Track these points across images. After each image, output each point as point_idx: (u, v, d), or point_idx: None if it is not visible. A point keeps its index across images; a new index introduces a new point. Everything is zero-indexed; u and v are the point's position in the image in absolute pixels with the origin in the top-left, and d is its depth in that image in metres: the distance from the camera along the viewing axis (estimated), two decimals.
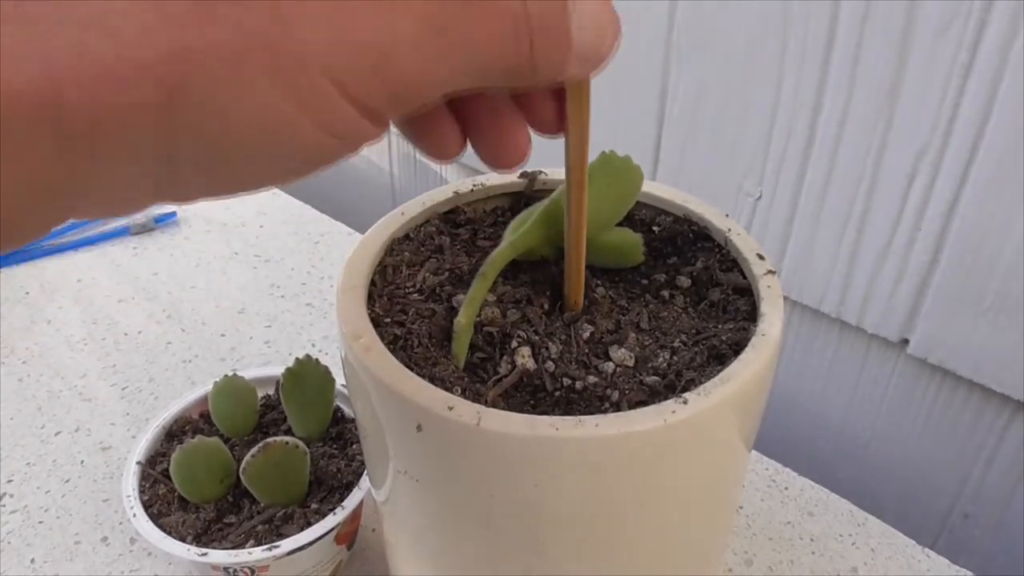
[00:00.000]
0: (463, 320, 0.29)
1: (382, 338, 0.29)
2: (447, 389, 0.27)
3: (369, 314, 0.30)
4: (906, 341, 0.54)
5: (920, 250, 0.50)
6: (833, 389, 0.60)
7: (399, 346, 0.29)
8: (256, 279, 0.73)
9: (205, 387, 0.47)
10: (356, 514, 0.43)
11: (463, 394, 0.27)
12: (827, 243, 0.54)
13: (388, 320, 0.30)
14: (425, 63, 0.18)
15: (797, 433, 0.64)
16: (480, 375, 0.29)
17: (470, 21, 0.19)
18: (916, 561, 0.48)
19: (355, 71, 0.17)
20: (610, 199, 0.32)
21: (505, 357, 0.29)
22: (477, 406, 0.25)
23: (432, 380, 0.27)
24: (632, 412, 0.25)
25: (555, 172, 0.37)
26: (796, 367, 0.62)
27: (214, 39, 0.16)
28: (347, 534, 0.44)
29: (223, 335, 0.66)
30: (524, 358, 0.29)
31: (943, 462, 0.57)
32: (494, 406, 0.27)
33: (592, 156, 0.31)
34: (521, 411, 0.27)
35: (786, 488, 0.52)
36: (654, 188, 0.36)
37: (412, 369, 0.27)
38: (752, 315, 0.30)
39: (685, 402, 0.25)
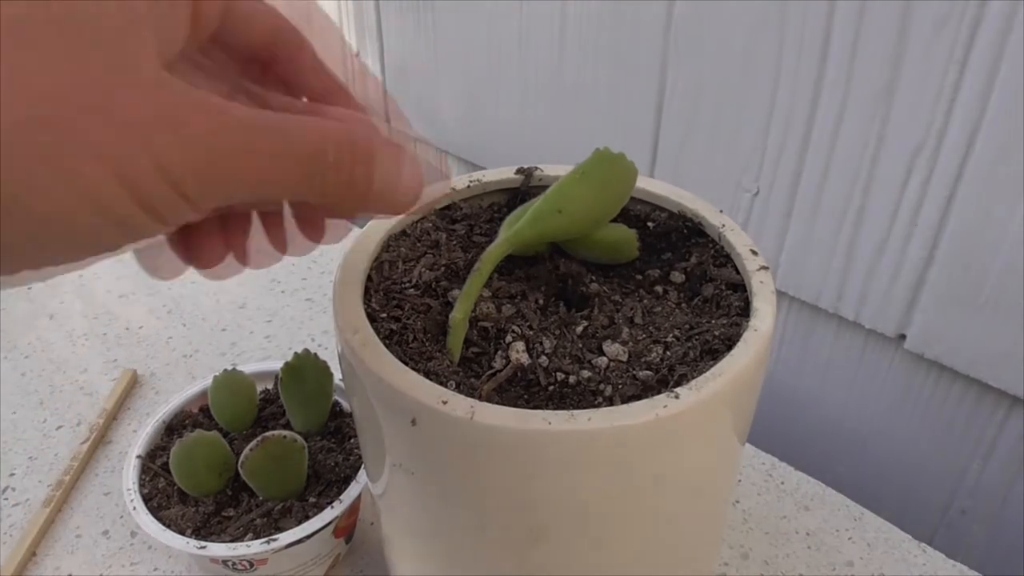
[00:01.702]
0: (458, 315, 0.30)
1: (378, 333, 0.29)
2: (442, 383, 0.27)
3: (365, 309, 0.30)
4: (903, 336, 0.54)
5: (917, 246, 0.50)
6: (831, 384, 0.60)
7: (394, 341, 0.29)
8: (256, 274, 0.73)
9: (205, 381, 0.47)
10: (354, 508, 0.43)
11: (457, 388, 0.27)
12: (824, 238, 0.54)
13: (384, 315, 0.30)
14: (237, 160, 0.20)
15: (795, 428, 0.64)
16: (475, 370, 0.29)
17: (272, 145, 0.21)
18: (912, 556, 0.48)
19: (175, 160, 0.19)
20: (604, 196, 0.32)
21: (500, 352, 0.29)
22: (470, 400, 0.26)
23: (427, 375, 0.27)
24: (624, 406, 0.26)
25: (551, 168, 0.37)
26: (794, 362, 0.62)
27: (25, 111, 0.17)
28: (345, 527, 0.44)
29: (224, 330, 0.66)
30: (518, 353, 0.29)
31: (941, 457, 0.57)
32: (488, 400, 0.27)
33: (586, 153, 0.31)
34: (515, 405, 0.27)
35: (783, 483, 0.52)
36: (649, 184, 0.36)
37: (407, 364, 0.28)
38: (745, 310, 0.30)
39: (677, 396, 0.26)
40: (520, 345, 0.29)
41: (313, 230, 0.29)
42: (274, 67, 0.27)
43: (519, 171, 0.37)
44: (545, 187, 0.36)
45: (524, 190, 0.37)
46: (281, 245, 0.29)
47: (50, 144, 0.18)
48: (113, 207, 0.19)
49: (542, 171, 0.37)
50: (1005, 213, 0.45)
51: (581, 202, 0.31)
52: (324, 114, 0.27)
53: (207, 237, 0.27)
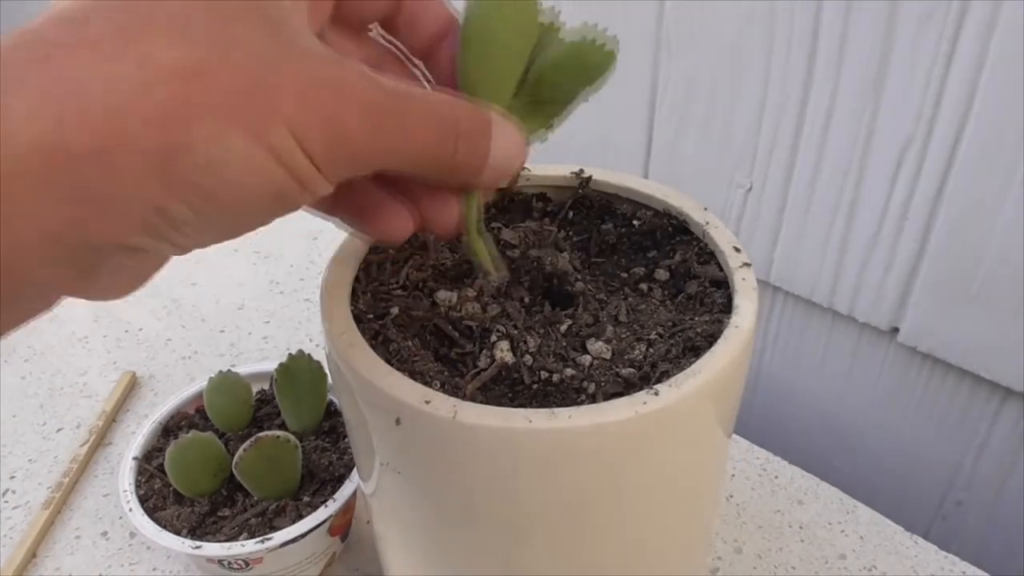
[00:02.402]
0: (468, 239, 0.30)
1: (364, 334, 0.29)
2: (426, 383, 0.27)
3: (353, 311, 0.30)
4: (896, 330, 0.54)
5: (908, 239, 0.50)
6: (825, 378, 0.61)
7: (380, 341, 0.30)
8: (255, 275, 0.73)
9: (201, 383, 0.48)
10: (349, 506, 0.44)
11: (441, 388, 0.28)
12: (817, 233, 0.54)
13: (371, 316, 0.31)
14: (366, 141, 0.22)
15: (790, 422, 0.64)
16: (460, 369, 0.30)
17: (406, 115, 0.22)
18: (904, 548, 0.48)
19: (313, 132, 0.20)
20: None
21: (484, 351, 0.30)
22: (453, 400, 0.26)
23: (412, 375, 0.28)
24: (604, 404, 0.26)
25: (539, 168, 0.37)
26: (788, 357, 0.62)
27: (201, 100, 0.19)
28: (340, 526, 0.44)
29: (222, 331, 0.66)
30: (503, 352, 0.29)
31: (935, 449, 0.57)
32: (472, 399, 0.27)
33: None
34: (499, 404, 0.27)
35: (776, 477, 0.53)
36: (635, 183, 0.36)
37: (393, 364, 0.28)
38: (728, 307, 0.31)
39: (657, 393, 0.26)
40: (505, 344, 0.30)
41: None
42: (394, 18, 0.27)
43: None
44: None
45: (510, 191, 0.37)
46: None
47: (205, 102, 0.19)
48: (269, 180, 0.20)
49: (528, 169, 0.37)
50: (995, 204, 0.46)
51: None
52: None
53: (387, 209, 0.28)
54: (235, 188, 0.20)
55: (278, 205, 0.22)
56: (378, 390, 0.27)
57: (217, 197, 0.20)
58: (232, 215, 0.21)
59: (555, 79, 0.28)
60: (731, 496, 0.51)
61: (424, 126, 0.23)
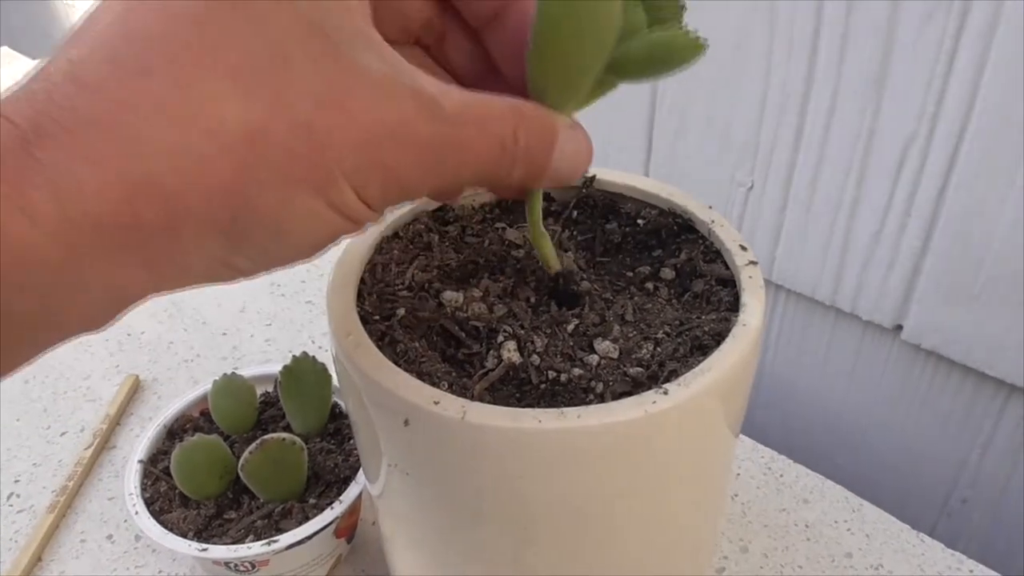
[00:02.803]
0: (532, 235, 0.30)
1: (371, 335, 0.29)
2: (434, 384, 0.27)
3: (358, 312, 0.30)
4: (900, 327, 0.54)
5: (911, 236, 0.50)
6: (828, 376, 0.61)
7: (387, 342, 0.30)
8: (256, 278, 0.73)
9: (205, 386, 0.48)
10: (354, 508, 0.44)
11: (449, 389, 0.28)
12: (819, 231, 0.54)
13: (377, 317, 0.31)
14: (423, 178, 0.22)
15: (794, 421, 0.64)
16: (467, 370, 0.30)
17: (464, 147, 0.22)
18: (911, 546, 0.48)
19: (371, 182, 0.21)
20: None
21: (492, 352, 0.30)
22: (462, 400, 0.26)
23: (419, 376, 0.28)
24: (613, 403, 0.26)
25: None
26: (792, 355, 0.62)
27: (265, 164, 0.19)
28: (346, 528, 0.44)
29: (224, 334, 0.66)
30: (510, 352, 0.29)
31: (940, 447, 0.57)
32: (480, 400, 0.27)
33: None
34: (507, 404, 0.27)
35: (781, 476, 0.53)
36: (639, 182, 0.36)
37: (400, 365, 0.28)
38: (735, 305, 0.31)
39: (666, 393, 0.26)
40: (512, 344, 0.30)
41: None
42: None
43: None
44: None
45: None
46: None
47: (269, 169, 0.19)
48: (328, 228, 0.21)
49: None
50: (998, 201, 0.46)
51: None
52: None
53: None
54: (295, 238, 0.21)
55: (330, 243, 0.23)
56: (386, 391, 0.27)
57: (278, 248, 0.21)
58: (288, 258, 0.22)
59: (637, 69, 0.26)
60: (736, 495, 0.51)
61: (483, 151, 0.23)
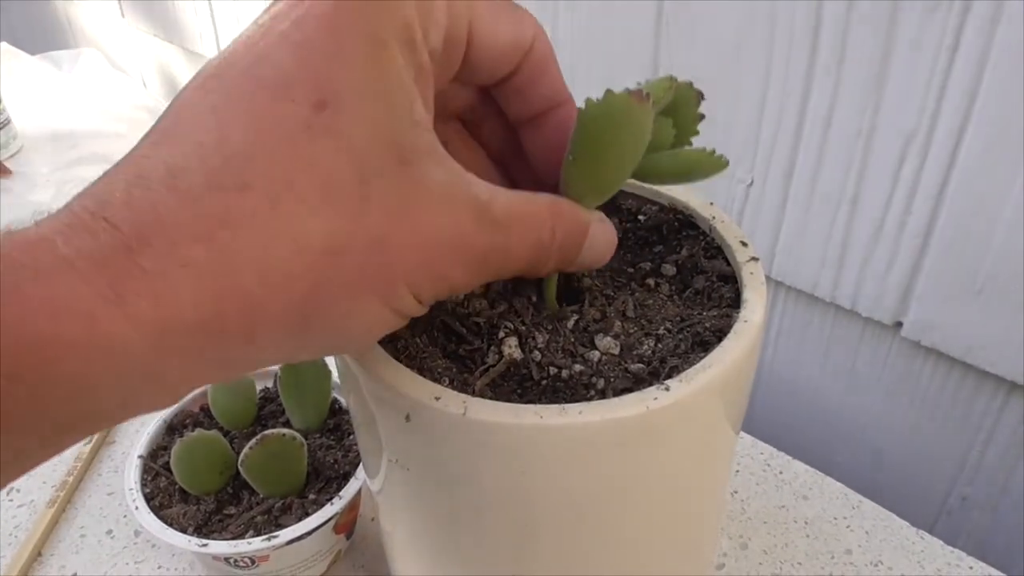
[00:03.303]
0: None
1: None
2: (435, 380, 0.27)
3: None
4: (900, 324, 0.54)
5: (911, 233, 0.50)
6: (828, 373, 0.61)
7: (388, 338, 0.30)
8: None
9: None
10: (354, 504, 0.44)
11: (451, 385, 0.28)
12: (819, 228, 0.54)
13: None
14: (470, 279, 0.24)
15: (793, 418, 0.64)
16: (468, 366, 0.30)
17: (509, 251, 0.24)
18: (910, 543, 0.48)
19: (426, 288, 0.23)
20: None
21: (492, 348, 0.30)
22: (463, 396, 0.26)
23: (421, 371, 0.28)
24: (615, 399, 0.26)
25: None
26: (791, 352, 0.62)
27: (340, 278, 0.21)
28: (346, 523, 0.44)
29: None
30: (511, 348, 0.29)
31: (940, 444, 0.57)
32: (481, 396, 0.27)
33: None
34: (508, 400, 0.27)
35: (781, 472, 0.53)
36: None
37: (401, 361, 0.28)
38: (736, 301, 0.30)
39: (667, 389, 0.26)
40: (513, 340, 0.29)
41: None
42: (507, 82, 0.27)
43: None
44: None
45: None
46: None
47: (344, 281, 0.21)
48: (386, 326, 0.24)
49: None
50: (999, 198, 0.46)
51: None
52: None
53: None
54: (356, 335, 0.23)
55: (386, 331, 0.24)
56: (387, 387, 0.27)
57: (339, 343, 0.24)
58: (344, 351, 0.26)
59: (665, 178, 0.29)
60: (736, 491, 0.51)
61: (524, 252, 0.25)
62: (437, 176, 0.22)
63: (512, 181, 0.31)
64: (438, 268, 0.23)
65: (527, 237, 0.25)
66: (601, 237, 0.27)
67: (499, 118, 0.29)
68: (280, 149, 0.20)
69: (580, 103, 0.26)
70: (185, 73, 1.18)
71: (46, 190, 0.84)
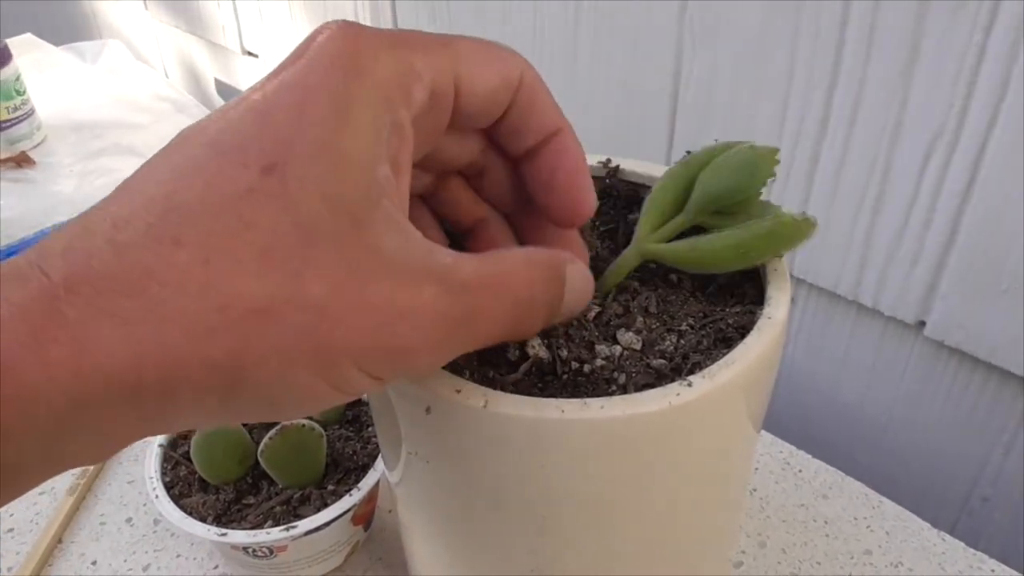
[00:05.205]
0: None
1: None
2: (456, 373, 0.27)
3: None
4: (923, 323, 0.53)
5: (936, 231, 0.50)
6: (850, 372, 0.60)
7: None
8: None
9: None
10: (372, 495, 0.44)
11: (472, 377, 0.28)
12: (842, 225, 0.54)
13: None
14: (434, 355, 0.22)
15: (813, 416, 0.64)
16: (489, 359, 0.29)
17: (479, 315, 0.22)
18: (931, 544, 0.48)
19: (380, 365, 0.21)
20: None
21: (513, 344, 0.30)
22: (484, 389, 0.26)
23: None
24: (637, 395, 0.26)
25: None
26: (812, 350, 0.62)
27: (270, 342, 0.20)
28: (364, 515, 0.45)
29: None
30: (536, 348, 0.29)
31: (962, 445, 0.57)
32: (503, 389, 0.27)
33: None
34: (529, 394, 0.27)
35: (800, 471, 0.52)
36: (662, 172, 0.36)
37: None
38: (759, 298, 0.30)
39: (690, 385, 0.26)
40: (536, 340, 0.29)
41: None
42: (501, 122, 0.27)
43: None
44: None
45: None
46: None
47: (271, 346, 0.20)
48: (327, 401, 0.22)
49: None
50: None
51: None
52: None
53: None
54: (287, 407, 0.21)
55: (322, 410, 0.23)
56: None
57: (268, 413, 0.22)
58: (278, 419, 0.25)
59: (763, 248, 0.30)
60: (755, 489, 0.51)
61: (501, 313, 0.23)
62: (392, 242, 0.21)
63: (521, 237, 0.31)
64: (393, 341, 0.21)
65: (503, 298, 0.23)
66: (579, 279, 0.26)
67: (501, 167, 0.29)
68: (222, 210, 0.20)
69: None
70: (207, 65, 1.19)
71: (69, 180, 0.85)
